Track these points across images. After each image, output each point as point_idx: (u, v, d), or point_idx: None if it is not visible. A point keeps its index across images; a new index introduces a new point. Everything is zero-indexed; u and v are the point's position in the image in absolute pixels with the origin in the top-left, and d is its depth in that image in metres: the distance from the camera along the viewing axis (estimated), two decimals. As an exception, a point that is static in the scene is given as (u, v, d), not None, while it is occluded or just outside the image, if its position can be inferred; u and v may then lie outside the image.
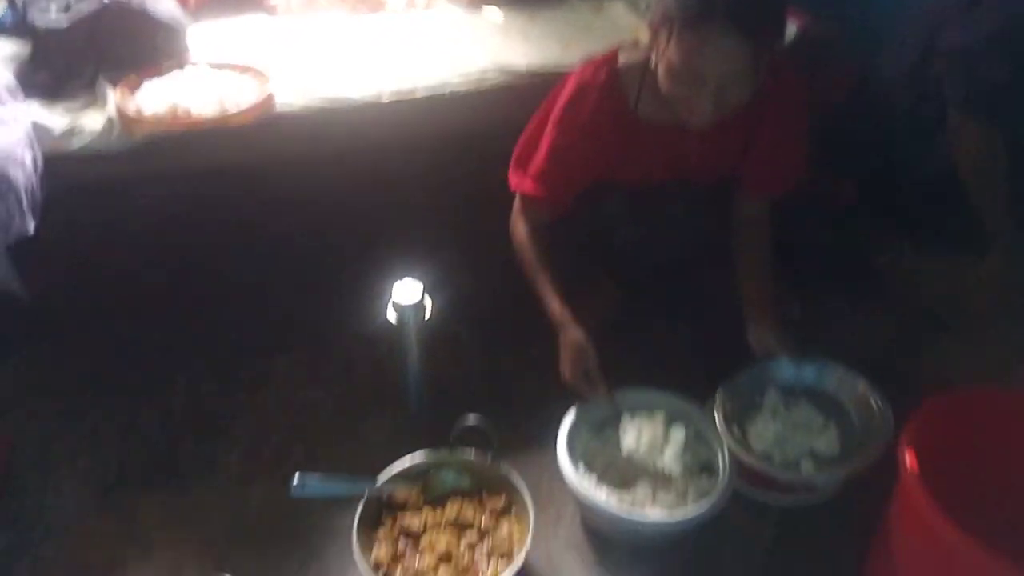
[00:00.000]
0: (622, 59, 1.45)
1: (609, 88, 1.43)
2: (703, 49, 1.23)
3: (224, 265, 1.91)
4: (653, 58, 1.35)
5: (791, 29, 1.75)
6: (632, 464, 1.39)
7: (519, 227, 1.55)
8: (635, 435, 1.40)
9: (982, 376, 1.60)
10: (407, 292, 1.47)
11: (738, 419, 1.43)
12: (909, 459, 1.17)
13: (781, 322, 1.50)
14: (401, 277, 1.49)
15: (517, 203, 1.57)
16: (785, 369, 1.48)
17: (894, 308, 1.81)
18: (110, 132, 1.53)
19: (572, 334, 1.45)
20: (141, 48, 1.65)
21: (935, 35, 1.59)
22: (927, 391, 1.24)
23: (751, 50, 1.22)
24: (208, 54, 1.75)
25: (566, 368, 1.45)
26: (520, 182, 1.54)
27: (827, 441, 1.38)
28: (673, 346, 1.76)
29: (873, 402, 1.41)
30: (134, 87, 1.63)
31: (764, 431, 1.40)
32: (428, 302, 1.49)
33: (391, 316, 1.47)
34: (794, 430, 1.41)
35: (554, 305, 1.48)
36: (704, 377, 1.48)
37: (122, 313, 1.79)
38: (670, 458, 1.37)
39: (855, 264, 1.73)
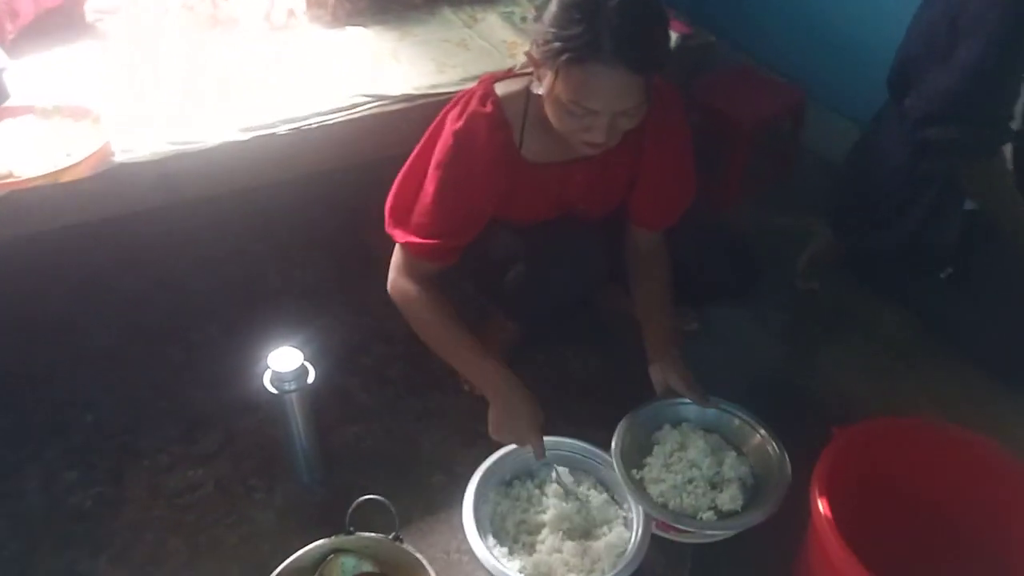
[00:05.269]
0: (500, 90, 1.35)
1: (497, 122, 1.34)
2: (592, 85, 1.18)
3: (74, 334, 1.71)
4: (533, 90, 1.28)
5: (673, 37, 1.70)
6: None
7: (404, 284, 1.41)
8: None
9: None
10: (285, 359, 1.33)
11: (637, 461, 1.38)
12: (821, 505, 1.15)
13: (682, 360, 1.45)
14: (279, 336, 1.35)
15: (398, 258, 1.43)
16: (685, 411, 1.45)
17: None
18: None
19: (524, 397, 1.35)
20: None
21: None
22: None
23: (639, 81, 1.18)
24: (32, 97, 1.53)
25: (517, 432, 1.35)
26: (405, 235, 1.39)
27: (731, 496, 1.34)
28: (579, 372, 1.70)
29: (771, 449, 1.38)
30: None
31: (658, 478, 1.36)
32: (309, 367, 1.35)
33: (269, 386, 1.33)
34: (690, 480, 1.36)
35: (487, 365, 1.37)
36: (614, 406, 1.44)
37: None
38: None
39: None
